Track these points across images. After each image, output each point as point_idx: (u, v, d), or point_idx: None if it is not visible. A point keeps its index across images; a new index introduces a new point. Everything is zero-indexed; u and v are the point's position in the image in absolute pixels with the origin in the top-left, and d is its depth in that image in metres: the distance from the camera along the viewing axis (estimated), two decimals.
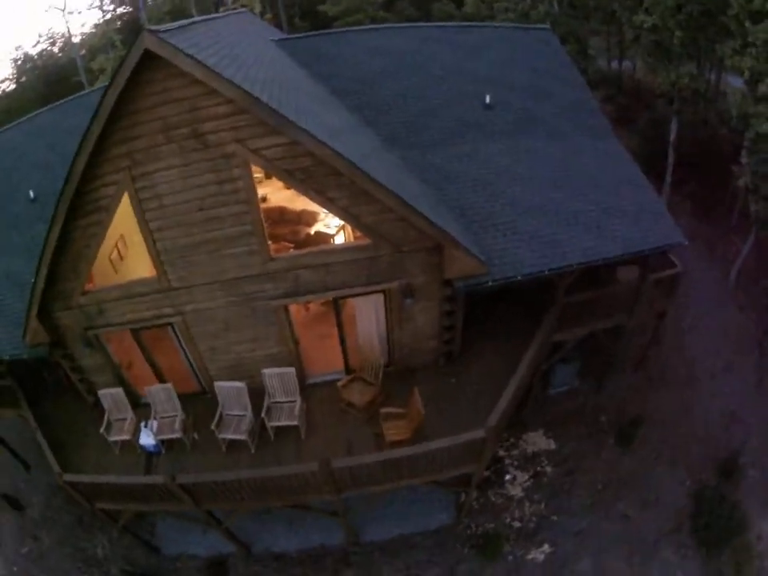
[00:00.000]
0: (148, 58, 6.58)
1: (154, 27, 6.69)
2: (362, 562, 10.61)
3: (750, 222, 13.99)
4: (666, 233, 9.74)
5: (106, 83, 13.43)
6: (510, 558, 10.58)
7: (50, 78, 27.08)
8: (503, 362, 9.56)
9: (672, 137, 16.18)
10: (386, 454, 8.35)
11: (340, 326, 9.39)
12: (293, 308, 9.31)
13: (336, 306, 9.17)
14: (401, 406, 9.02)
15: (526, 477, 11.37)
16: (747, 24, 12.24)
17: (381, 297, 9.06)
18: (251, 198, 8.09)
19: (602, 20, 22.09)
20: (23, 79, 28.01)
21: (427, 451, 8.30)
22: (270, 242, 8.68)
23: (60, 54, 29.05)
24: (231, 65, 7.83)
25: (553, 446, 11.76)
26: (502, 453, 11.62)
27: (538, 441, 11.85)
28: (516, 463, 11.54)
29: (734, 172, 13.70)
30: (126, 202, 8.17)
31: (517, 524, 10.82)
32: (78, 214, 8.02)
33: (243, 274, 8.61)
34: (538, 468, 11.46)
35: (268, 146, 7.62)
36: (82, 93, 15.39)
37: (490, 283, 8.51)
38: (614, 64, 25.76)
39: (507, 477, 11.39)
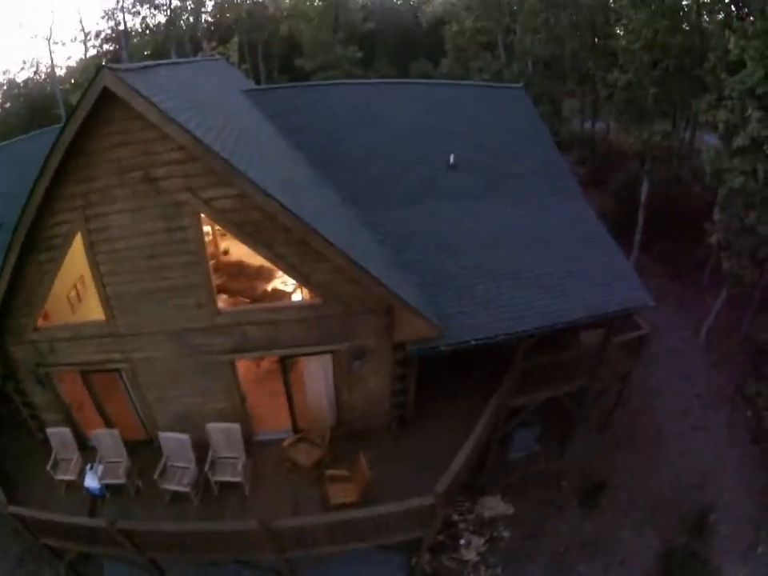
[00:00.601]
0: (107, 96, 6.42)
1: (114, 66, 6.52)
2: None
3: (721, 279, 13.78)
4: (633, 294, 9.49)
5: None
6: None
7: (34, 105, 27.27)
8: (459, 425, 9.19)
9: (643, 198, 16.13)
10: (329, 517, 8.04)
11: (287, 384, 9.08)
12: (243, 364, 9.04)
13: (284, 364, 8.83)
14: (349, 468, 8.64)
15: (482, 541, 10.94)
16: (723, 76, 12.16)
17: (329, 357, 8.73)
18: (200, 250, 7.81)
19: (577, 80, 22.11)
20: (8, 105, 28.14)
21: (373, 515, 7.96)
22: (224, 296, 8.51)
23: (45, 84, 29.20)
24: (188, 111, 7.63)
25: (511, 510, 11.36)
26: (456, 517, 11.21)
27: (495, 505, 11.43)
28: (472, 528, 11.13)
29: (706, 230, 13.49)
30: (79, 242, 8.03)
31: None
32: (32, 249, 7.85)
33: (191, 325, 8.32)
34: (495, 533, 11.05)
35: (218, 196, 7.40)
36: (60, 125, 15.37)
37: (443, 348, 8.21)
38: (588, 125, 25.85)
39: (462, 541, 10.97)
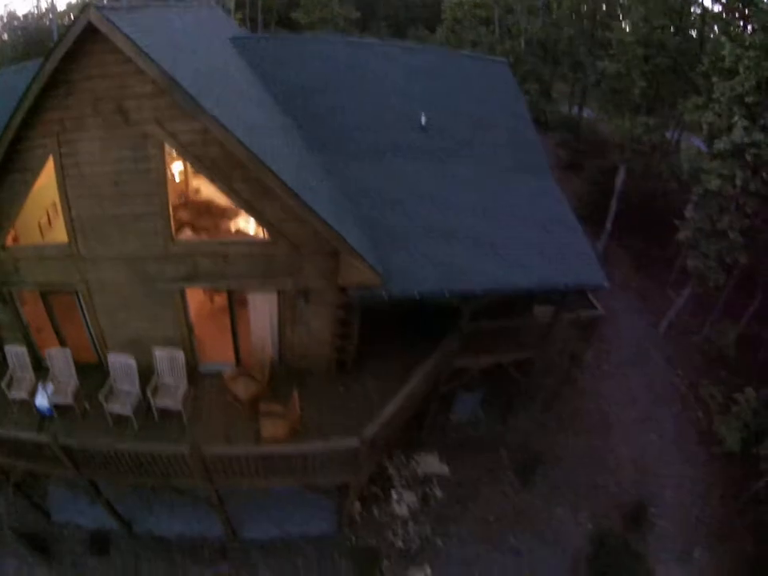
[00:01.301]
0: (91, 31, 6.96)
1: (100, 3, 7.07)
2: (239, 558, 10.74)
3: (687, 278, 14.13)
4: (588, 274, 9.92)
5: None
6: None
7: (31, 39, 27.63)
8: (396, 378, 9.66)
9: (618, 185, 16.56)
10: (256, 448, 8.58)
11: (233, 319, 9.63)
12: (196, 296, 9.57)
13: (230, 298, 9.41)
14: (284, 406, 9.21)
15: (415, 497, 11.46)
16: (714, 80, 12.53)
17: (275, 295, 9.28)
18: (161, 180, 8.42)
19: (570, 66, 22.54)
20: (5, 37, 28.72)
21: (299, 452, 8.48)
22: (188, 231, 8.99)
23: (43, 18, 29.76)
24: (165, 49, 8.17)
25: (446, 470, 11.85)
26: (391, 470, 11.72)
27: (431, 463, 11.93)
28: (405, 482, 11.63)
29: (677, 226, 13.84)
30: (52, 168, 8.57)
31: (399, 543, 10.95)
32: (6, 171, 8.39)
33: (146, 253, 8.92)
34: (428, 490, 11.57)
35: (183, 130, 7.97)
36: (39, 59, 15.79)
37: (386, 297, 8.71)
38: (576, 111, 26.35)
39: (394, 495, 11.48)
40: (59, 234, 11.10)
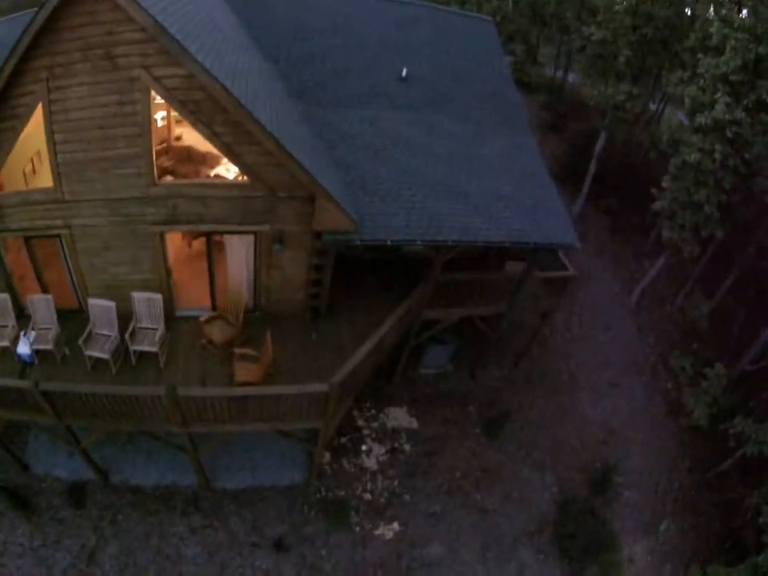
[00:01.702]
0: None
1: None
2: (211, 508, 11.12)
3: (663, 247, 14.52)
4: (559, 232, 10.31)
5: None
6: (358, 529, 11.14)
7: None
8: (369, 326, 10.07)
9: (597, 149, 16.99)
10: (230, 391, 8.95)
11: (211, 262, 10.03)
12: (175, 241, 9.89)
13: (208, 241, 9.81)
14: (258, 350, 9.58)
15: (383, 450, 11.91)
16: (700, 56, 12.94)
17: (252, 239, 9.71)
18: (146, 123, 8.79)
19: (558, 28, 22.92)
20: None
21: (270, 395, 8.86)
22: (169, 178, 9.31)
23: None
24: None
25: (415, 424, 12.31)
26: (361, 423, 12.18)
27: (400, 417, 12.37)
28: (374, 435, 12.09)
29: (654, 195, 14.22)
30: (38, 116, 8.89)
31: (368, 496, 11.38)
32: None
33: (128, 195, 9.28)
34: (396, 444, 12.02)
35: (168, 75, 8.34)
36: (30, 11, 16.08)
37: (358, 242, 9.18)
38: (561, 74, 26.74)
39: (364, 447, 11.93)
40: (43, 181, 11.45)
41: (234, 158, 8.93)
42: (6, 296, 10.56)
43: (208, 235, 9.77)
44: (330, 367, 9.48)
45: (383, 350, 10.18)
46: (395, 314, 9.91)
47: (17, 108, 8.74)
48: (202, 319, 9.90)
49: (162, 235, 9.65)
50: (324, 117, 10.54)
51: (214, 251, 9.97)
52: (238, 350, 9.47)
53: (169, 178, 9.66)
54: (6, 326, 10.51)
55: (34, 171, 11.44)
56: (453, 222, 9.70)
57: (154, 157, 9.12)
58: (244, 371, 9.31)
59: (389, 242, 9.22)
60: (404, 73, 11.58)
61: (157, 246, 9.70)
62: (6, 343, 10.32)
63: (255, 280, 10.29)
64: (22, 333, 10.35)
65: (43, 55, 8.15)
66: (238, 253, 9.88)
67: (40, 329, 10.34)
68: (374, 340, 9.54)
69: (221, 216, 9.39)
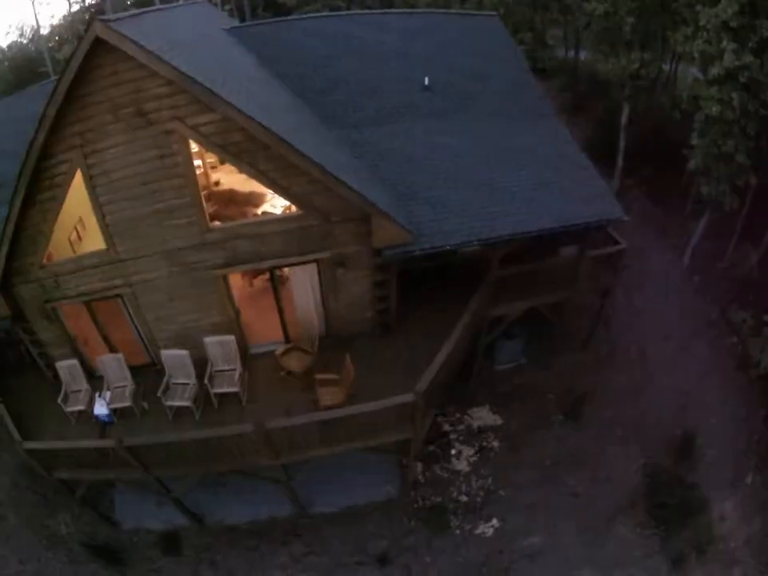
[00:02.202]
0: (99, 44, 7.49)
1: (104, 17, 7.64)
2: (311, 534, 11.29)
3: (703, 204, 14.42)
4: (604, 208, 10.36)
5: None
6: (458, 531, 11.24)
7: (19, 69, 28.36)
8: (439, 333, 10.10)
9: (623, 121, 16.84)
10: (317, 415, 9.11)
11: (277, 296, 10.20)
12: (236, 282, 10.05)
13: (272, 276, 9.98)
14: (337, 372, 9.69)
15: (472, 451, 12.02)
16: (699, 8, 12.81)
17: (314, 267, 9.84)
18: (189, 172, 9.00)
19: (559, 9, 22.75)
20: None
21: (358, 413, 8.97)
22: (217, 222, 9.44)
23: (30, 45, 30.54)
24: (173, 49, 8.70)
25: (499, 421, 12.40)
26: (447, 428, 12.30)
27: (483, 416, 12.47)
28: (462, 438, 12.19)
29: (685, 155, 14.15)
30: (78, 180, 9.05)
31: (464, 498, 11.48)
32: (35, 191, 8.91)
33: (184, 244, 9.48)
34: (484, 443, 12.11)
35: (203, 122, 8.52)
36: (47, 81, 16.36)
37: (418, 252, 9.28)
38: (572, 54, 26.40)
39: (453, 451, 12.04)
40: (89, 246, 11.65)
41: (283, 192, 9.11)
42: (74, 362, 10.81)
43: (271, 270, 9.91)
44: (409, 378, 9.44)
45: (459, 354, 10.24)
46: (465, 315, 9.98)
47: (55, 178, 8.97)
48: (278, 352, 10.13)
49: (224, 278, 9.81)
50: (359, 137, 10.68)
51: (278, 285, 10.11)
52: (319, 376, 9.58)
53: (215, 223, 9.79)
54: (80, 390, 10.79)
55: (79, 238, 11.64)
56: (503, 218, 9.74)
57: (204, 202, 9.27)
58: (328, 395, 9.45)
59: (448, 246, 9.29)
60: (426, 81, 11.66)
61: (221, 289, 9.88)
62: (82, 407, 10.53)
63: (323, 306, 10.43)
64: (96, 394, 10.60)
65: (72, 123, 8.37)
66: (303, 283, 10.03)
67: (115, 387, 10.59)
68: (450, 343, 9.62)
69: (280, 250, 9.53)
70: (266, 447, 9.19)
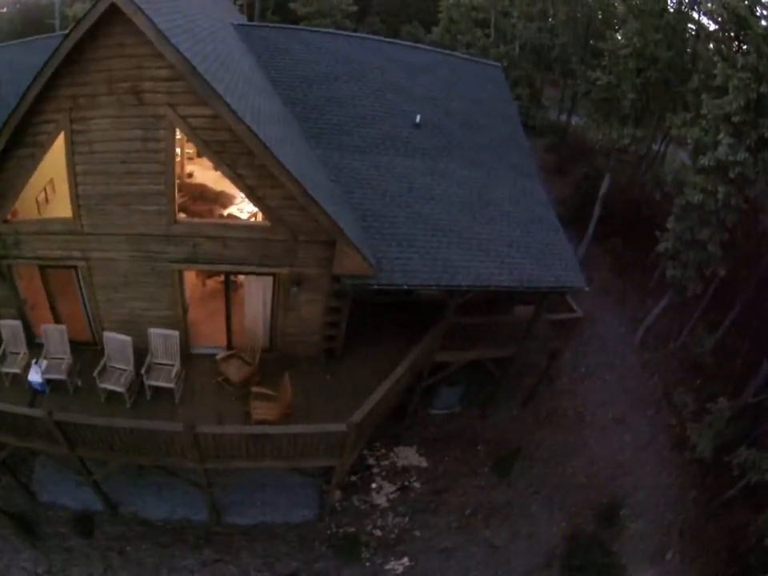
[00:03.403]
0: (111, 12, 7.29)
1: None
2: (223, 542, 11.04)
3: (666, 285, 14.72)
4: (568, 275, 10.46)
5: None
6: (368, 564, 11.13)
7: (29, 15, 27.95)
8: (383, 368, 10.07)
9: (602, 191, 17.24)
10: (249, 428, 8.98)
11: (228, 301, 10.07)
12: (190, 279, 9.93)
13: (227, 281, 9.87)
14: (273, 389, 9.58)
15: (393, 488, 11.95)
16: (704, 97, 13.08)
17: (270, 281, 9.75)
18: (169, 160, 8.83)
19: (561, 72, 23.21)
20: (4, 10, 28.89)
21: (289, 434, 8.85)
22: (182, 215, 9.29)
23: None
24: (181, 35, 8.52)
25: (425, 463, 12.36)
26: (371, 461, 12.23)
27: (410, 456, 12.43)
28: (384, 473, 12.13)
29: (657, 237, 14.43)
30: (59, 143, 8.85)
31: (378, 532, 11.38)
32: (15, 145, 8.66)
33: (149, 231, 9.31)
34: (406, 482, 12.07)
35: (194, 114, 8.40)
36: (52, 35, 16.07)
37: (376, 286, 9.24)
38: (565, 117, 27.07)
39: (374, 485, 11.96)
40: (55, 210, 11.41)
41: (257, 201, 9.01)
42: (18, 323, 10.52)
43: (227, 275, 9.80)
44: (345, 408, 9.41)
45: (398, 391, 10.18)
46: (411, 355, 9.93)
47: (38, 136, 8.73)
48: (218, 357, 10.00)
49: (180, 273, 9.66)
50: (341, 162, 10.63)
51: (231, 290, 9.99)
52: (255, 389, 9.47)
53: (182, 216, 9.65)
54: (18, 353, 10.48)
55: (47, 200, 11.41)
56: (467, 267, 9.82)
57: (176, 195, 9.16)
58: (261, 410, 9.31)
59: (406, 287, 9.30)
60: (418, 119, 11.69)
61: (175, 284, 9.73)
62: (17, 370, 10.28)
63: (272, 320, 10.32)
64: (33, 361, 10.31)
65: (67, 84, 8.16)
66: (256, 293, 9.93)
67: (52, 358, 10.32)
68: (391, 381, 9.56)
69: (241, 257, 9.41)
70: (192, 450, 8.98)
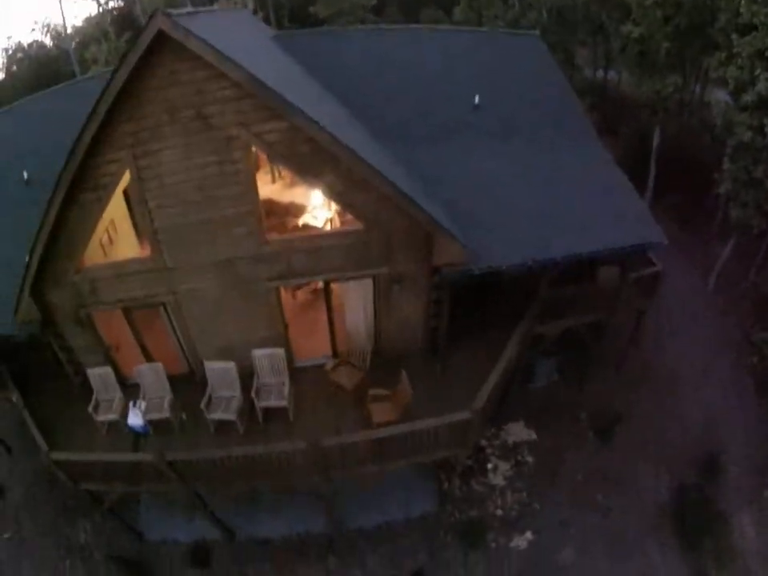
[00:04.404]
0: (159, 40, 7.08)
1: (166, 11, 7.19)
2: (346, 550, 11.07)
3: (729, 229, 14.81)
4: (647, 233, 10.44)
5: (99, 71, 13.29)
6: (494, 545, 11.20)
7: (41, 68, 27.73)
8: (487, 352, 10.06)
9: (655, 146, 17.10)
10: (376, 433, 8.88)
11: (330, 310, 9.96)
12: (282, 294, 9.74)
13: (326, 290, 9.74)
14: (388, 390, 9.52)
15: (508, 466, 12.04)
16: (733, 36, 13.03)
17: (370, 283, 9.63)
18: (250, 180, 8.65)
19: (589, 31, 23.05)
20: (14, 69, 28.78)
21: (415, 430, 8.78)
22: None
23: (51, 46, 29.69)
24: (237, 52, 8.26)
25: (534, 436, 12.47)
26: (483, 443, 12.26)
27: (519, 432, 12.50)
28: (497, 453, 12.20)
29: (715, 180, 14.50)
30: (124, 182, 8.61)
31: (499, 512, 11.46)
32: (77, 191, 8.42)
33: (238, 255, 9.14)
34: (519, 458, 12.15)
35: (269, 130, 8.19)
36: (74, 81, 15.68)
37: (477, 272, 9.12)
38: (600, 74, 26.71)
39: (489, 466, 12.03)
40: (121, 250, 11.19)
41: (347, 207, 8.91)
42: (107, 369, 10.34)
43: (326, 284, 9.67)
44: (457, 397, 9.38)
45: (509, 371, 10.21)
46: (516, 334, 9.95)
47: (100, 178, 8.50)
48: (328, 367, 9.93)
49: (276, 290, 9.54)
50: (410, 155, 10.46)
51: (325, 298, 9.84)
52: (372, 392, 9.39)
53: (272, 234, 9.47)
54: (112, 399, 10.33)
55: (111, 241, 11.13)
56: (554, 241, 9.72)
57: (263, 214, 8.96)
58: (381, 412, 9.27)
59: (504, 267, 9.24)
60: (477, 100, 11.54)
61: (272, 302, 9.63)
62: (114, 416, 10.14)
63: (375, 322, 10.22)
64: (131, 404, 10.15)
65: (124, 121, 7.91)
66: (357, 297, 9.84)
67: (151, 398, 10.17)
68: (503, 363, 9.56)
69: (338, 264, 9.29)
70: (317, 464, 8.94)
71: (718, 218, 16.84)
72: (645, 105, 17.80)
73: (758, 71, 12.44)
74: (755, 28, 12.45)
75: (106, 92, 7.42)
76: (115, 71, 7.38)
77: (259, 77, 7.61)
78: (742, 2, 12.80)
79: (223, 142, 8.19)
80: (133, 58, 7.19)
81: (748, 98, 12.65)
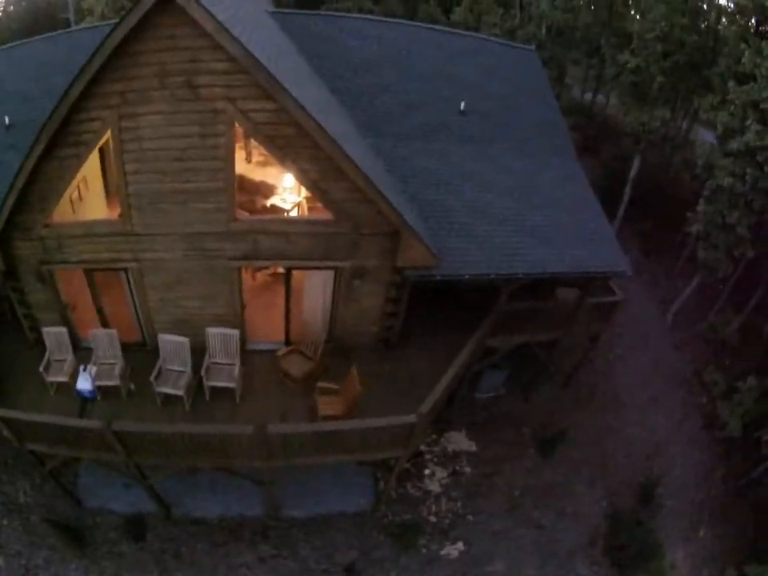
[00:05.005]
0: (162, 2, 6.95)
1: None
2: (280, 537, 11.03)
3: (695, 267, 15.19)
4: (613, 260, 10.66)
5: (93, 24, 13.01)
6: (425, 550, 11.24)
7: (38, 11, 27.15)
8: (438, 357, 10.16)
9: (632, 174, 17.49)
10: (322, 426, 8.87)
11: (288, 296, 9.91)
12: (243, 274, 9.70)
13: (288, 276, 9.71)
14: (337, 383, 9.54)
15: (445, 474, 12.11)
16: (731, 83, 13.37)
17: (332, 274, 9.64)
18: (229, 156, 8.54)
19: (586, 52, 23.47)
20: (10, 9, 28.07)
21: (360, 428, 8.78)
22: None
23: None
24: (236, 26, 8.03)
25: (474, 447, 12.56)
26: (423, 448, 12.32)
27: (459, 441, 12.61)
28: (436, 459, 12.28)
29: (688, 218, 14.87)
30: (103, 142, 8.50)
31: (433, 518, 11.51)
32: (58, 144, 8.25)
33: (206, 230, 9.07)
34: (457, 467, 12.25)
35: (257, 109, 8.11)
36: (69, 30, 15.37)
37: (438, 277, 9.20)
38: (589, 96, 27.23)
39: (426, 471, 12.11)
40: (90, 208, 11.04)
41: (320, 194, 8.83)
42: (63, 329, 10.17)
43: (288, 270, 9.65)
44: (405, 397, 9.43)
45: (458, 378, 10.27)
46: (471, 343, 10.01)
47: (83, 134, 8.33)
48: (279, 353, 9.88)
49: (239, 270, 9.49)
50: (393, 151, 10.54)
51: (285, 285, 9.77)
52: (320, 384, 9.38)
53: (242, 212, 9.44)
54: (64, 360, 10.13)
55: (80, 198, 10.97)
56: (522, 254, 9.90)
57: (236, 192, 8.95)
58: (327, 405, 9.24)
59: (467, 276, 9.36)
60: (462, 106, 11.65)
61: (234, 281, 9.55)
62: (64, 378, 9.94)
63: (332, 313, 10.22)
64: (81, 368, 9.97)
65: (114, 80, 7.76)
66: (316, 287, 9.84)
67: (102, 363, 10.01)
68: (455, 368, 9.59)
69: (303, 252, 9.27)
70: (260, 450, 8.82)
71: (684, 255, 17.23)
72: (629, 133, 18.21)
73: (749, 121, 12.78)
74: (754, 78, 12.79)
75: (102, 47, 7.25)
76: (114, 28, 7.21)
77: (255, 54, 7.47)
78: (746, 52, 13.13)
79: (209, 114, 8.08)
80: (134, 18, 7.05)
81: (735, 145, 13.01)
